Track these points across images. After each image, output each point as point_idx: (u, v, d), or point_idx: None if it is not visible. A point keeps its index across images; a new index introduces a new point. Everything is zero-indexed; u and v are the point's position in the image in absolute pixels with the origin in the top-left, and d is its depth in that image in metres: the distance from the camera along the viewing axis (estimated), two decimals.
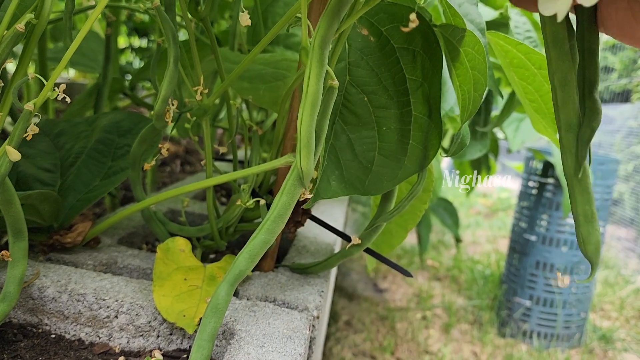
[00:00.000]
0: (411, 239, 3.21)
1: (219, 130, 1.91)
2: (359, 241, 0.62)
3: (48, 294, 0.55)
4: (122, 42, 2.20)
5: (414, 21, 0.47)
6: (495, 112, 1.31)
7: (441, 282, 2.66)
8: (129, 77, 1.48)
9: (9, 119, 0.77)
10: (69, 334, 0.55)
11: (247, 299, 0.59)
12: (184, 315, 0.52)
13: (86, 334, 0.55)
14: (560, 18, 0.32)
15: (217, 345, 0.53)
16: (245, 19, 0.43)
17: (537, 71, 0.69)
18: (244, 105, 0.93)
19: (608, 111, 4.49)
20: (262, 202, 0.60)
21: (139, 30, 2.19)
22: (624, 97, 4.79)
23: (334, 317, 2.03)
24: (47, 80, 0.43)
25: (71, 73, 2.64)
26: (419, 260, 2.84)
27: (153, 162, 0.57)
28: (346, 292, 2.31)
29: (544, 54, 0.57)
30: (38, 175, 0.70)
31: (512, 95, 1.09)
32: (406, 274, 0.67)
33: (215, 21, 1.30)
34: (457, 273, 2.76)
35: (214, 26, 1.30)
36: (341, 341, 1.87)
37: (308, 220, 0.69)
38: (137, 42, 2.35)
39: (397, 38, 0.56)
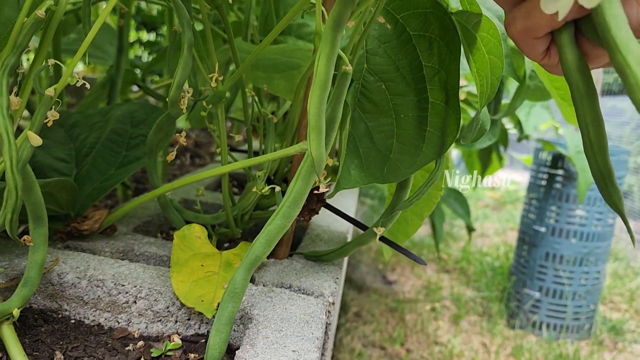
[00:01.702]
0: (419, 230, 3.21)
1: (229, 123, 1.91)
2: (382, 230, 0.62)
3: (67, 279, 0.56)
4: (131, 36, 2.20)
5: None
6: (505, 101, 1.31)
7: (450, 274, 2.66)
8: (137, 71, 1.49)
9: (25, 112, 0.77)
10: (88, 319, 0.56)
11: (264, 285, 0.60)
12: (202, 300, 0.52)
13: (105, 319, 0.55)
14: (561, 16, 0.32)
15: (234, 330, 0.53)
16: None
17: None
18: (257, 96, 0.94)
19: (617, 103, 4.46)
20: (278, 189, 0.60)
21: (147, 24, 2.20)
22: None
23: (343, 308, 2.04)
24: (63, 69, 0.44)
25: (80, 67, 2.66)
26: (427, 252, 2.84)
27: (174, 153, 0.58)
28: (355, 284, 2.32)
29: None
30: (54, 165, 0.71)
31: (523, 83, 1.08)
32: (420, 261, 0.67)
33: (227, 13, 1.30)
34: (466, 265, 2.76)
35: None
36: (351, 332, 1.87)
37: (321, 210, 0.70)
38: (145, 36, 2.35)
39: (413, 25, 0.56)
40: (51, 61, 0.45)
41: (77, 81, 0.45)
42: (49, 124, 0.44)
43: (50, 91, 0.43)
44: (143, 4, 1.91)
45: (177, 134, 0.60)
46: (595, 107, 0.35)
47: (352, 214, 1.03)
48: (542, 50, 0.38)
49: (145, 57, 2.25)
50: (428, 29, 0.55)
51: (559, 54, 0.36)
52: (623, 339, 2.14)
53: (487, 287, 2.45)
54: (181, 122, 1.53)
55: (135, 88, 1.32)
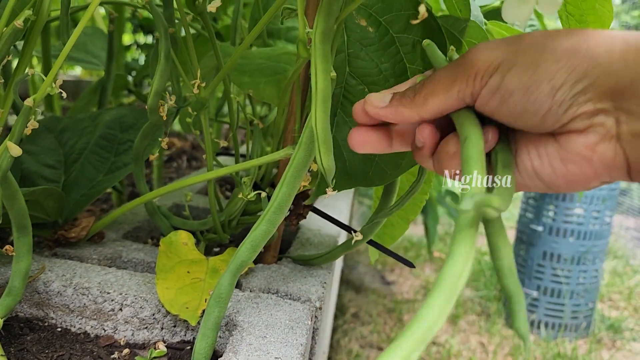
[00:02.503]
0: (418, 231, 3.21)
1: (226, 126, 1.91)
2: (361, 236, 0.62)
3: (53, 288, 0.56)
4: (127, 39, 2.20)
5: (423, 15, 0.47)
6: None
7: None
8: (134, 73, 1.49)
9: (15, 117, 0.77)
10: (74, 327, 0.56)
11: (250, 291, 0.60)
12: (187, 307, 0.52)
13: (91, 327, 0.55)
14: (522, 26, 0.33)
15: (219, 337, 0.53)
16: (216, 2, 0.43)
17: None
18: (247, 101, 0.94)
19: None
20: (264, 194, 0.60)
21: (144, 27, 2.19)
22: None
23: (341, 309, 2.04)
24: (59, 78, 0.44)
25: (78, 71, 2.66)
26: (425, 253, 2.84)
27: (157, 154, 0.58)
28: (353, 285, 2.32)
29: None
30: (42, 171, 0.71)
31: None
32: (409, 264, 0.67)
33: (219, 17, 1.30)
34: None
35: (218, 22, 1.31)
36: (348, 333, 1.87)
37: (312, 213, 0.70)
38: (143, 38, 2.35)
39: (396, 28, 0.56)
40: (31, 71, 0.45)
41: (58, 91, 0.45)
42: (28, 134, 0.44)
43: (29, 101, 0.43)
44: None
45: (176, 140, 0.61)
46: None
47: (345, 216, 1.03)
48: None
49: (143, 60, 2.25)
50: (412, 31, 0.55)
51: None
52: (621, 337, 2.14)
53: (486, 286, 2.45)
54: (178, 126, 1.53)
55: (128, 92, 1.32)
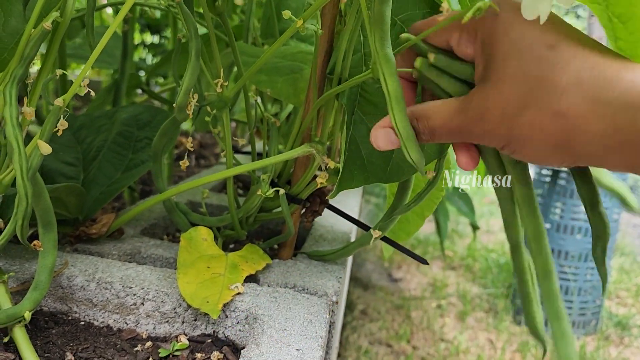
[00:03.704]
0: (425, 228, 3.22)
1: (233, 123, 1.93)
2: (380, 233, 0.63)
3: (77, 282, 0.57)
4: (135, 38, 2.21)
5: (446, 9, 0.47)
6: None
7: (456, 271, 2.67)
8: (142, 73, 1.50)
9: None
10: (97, 320, 0.57)
11: (268, 286, 0.61)
12: (208, 302, 0.54)
13: (114, 320, 0.57)
14: (542, 19, 0.33)
15: (240, 330, 0.54)
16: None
17: None
18: (259, 99, 0.95)
19: None
20: (282, 191, 0.61)
21: (152, 27, 2.21)
22: None
23: (349, 306, 2.05)
24: (71, 78, 0.45)
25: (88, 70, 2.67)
26: (432, 250, 2.85)
27: (188, 162, 0.59)
28: (361, 282, 2.33)
29: None
30: (61, 169, 0.72)
31: None
32: (422, 261, 0.68)
33: (229, 16, 1.32)
34: (472, 262, 2.76)
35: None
36: (357, 330, 1.88)
37: (325, 210, 0.71)
38: (149, 38, 2.36)
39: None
40: (58, 71, 0.46)
41: (86, 90, 0.46)
42: (59, 133, 0.45)
43: (59, 101, 0.44)
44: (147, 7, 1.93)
45: (185, 139, 0.62)
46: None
47: (355, 214, 1.04)
48: None
49: (150, 59, 2.27)
50: None
51: None
52: (629, 333, 2.14)
53: (493, 283, 2.46)
54: (186, 125, 1.54)
55: (140, 91, 1.33)
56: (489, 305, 2.27)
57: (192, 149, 0.56)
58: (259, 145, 1.21)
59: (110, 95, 1.00)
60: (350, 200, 1.10)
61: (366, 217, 2.69)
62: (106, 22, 1.62)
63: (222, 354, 0.52)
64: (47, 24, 0.45)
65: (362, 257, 2.63)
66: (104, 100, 1.02)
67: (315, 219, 0.88)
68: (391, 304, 2.16)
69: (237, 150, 1.08)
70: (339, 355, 1.67)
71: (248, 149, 0.98)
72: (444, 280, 2.50)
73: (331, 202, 1.08)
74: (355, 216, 1.03)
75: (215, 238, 0.70)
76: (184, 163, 0.64)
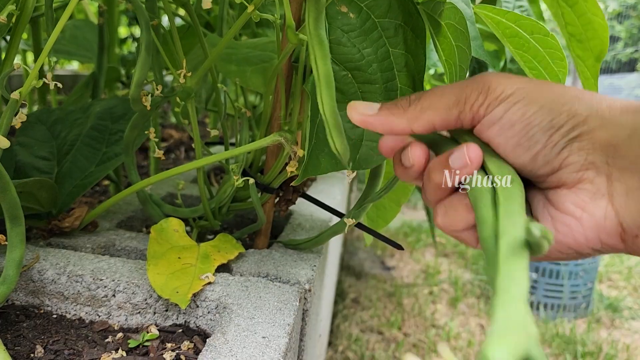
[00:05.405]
0: (418, 215, 3.23)
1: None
2: (352, 221, 0.63)
3: (47, 276, 0.57)
4: (124, 32, 2.20)
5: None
6: None
7: (448, 257, 2.68)
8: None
9: None
10: (69, 313, 0.57)
11: (240, 275, 0.61)
12: (178, 292, 0.54)
13: (86, 313, 0.57)
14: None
15: (211, 320, 0.55)
16: (206, 2, 0.44)
17: (530, 37, 0.69)
18: (242, 90, 0.95)
19: (615, 81, 4.46)
20: (252, 181, 0.61)
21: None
22: (630, 66, 4.75)
23: (341, 295, 2.06)
24: (43, 71, 0.45)
25: (75, 65, 2.66)
26: (425, 237, 2.86)
27: (162, 154, 0.59)
28: (354, 271, 2.34)
29: (534, 20, 0.58)
30: (35, 163, 0.72)
31: (504, 67, 1.09)
32: (397, 246, 0.68)
33: (211, 8, 1.31)
34: (464, 248, 2.77)
35: (210, 13, 1.31)
36: (349, 318, 1.89)
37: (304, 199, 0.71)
38: (138, 31, 2.35)
39: (377, 12, 0.56)
40: (17, 64, 0.46)
41: (49, 82, 0.46)
42: (17, 127, 0.45)
43: (15, 95, 0.44)
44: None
45: (174, 132, 0.62)
46: None
47: (338, 202, 1.04)
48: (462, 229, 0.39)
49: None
50: (393, 15, 0.56)
51: None
52: (620, 315, 2.16)
53: (485, 269, 2.47)
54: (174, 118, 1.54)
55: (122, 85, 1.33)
56: (480, 290, 2.28)
57: (157, 139, 0.56)
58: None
59: (89, 89, 1.00)
60: (334, 189, 1.10)
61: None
62: (89, 16, 1.61)
63: (193, 344, 0.52)
64: (2, 17, 0.44)
65: (355, 246, 2.64)
66: (82, 94, 1.01)
67: (295, 208, 0.88)
68: (383, 291, 2.17)
69: (221, 142, 1.08)
70: (330, 343, 1.68)
71: (232, 139, 0.98)
72: (436, 267, 2.51)
73: (315, 190, 1.08)
74: (339, 204, 1.03)
75: (191, 229, 0.70)
76: (159, 154, 0.64)
